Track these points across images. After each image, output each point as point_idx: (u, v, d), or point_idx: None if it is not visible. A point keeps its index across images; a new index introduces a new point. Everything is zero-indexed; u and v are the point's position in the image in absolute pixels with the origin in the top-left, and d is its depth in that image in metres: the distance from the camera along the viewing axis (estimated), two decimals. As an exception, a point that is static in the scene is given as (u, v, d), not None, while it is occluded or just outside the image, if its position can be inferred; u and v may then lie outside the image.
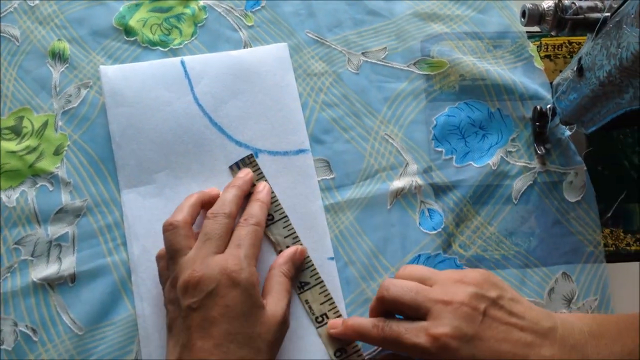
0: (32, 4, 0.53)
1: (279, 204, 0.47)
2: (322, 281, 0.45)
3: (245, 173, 0.46)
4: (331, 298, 0.44)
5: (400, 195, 0.48)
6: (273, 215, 0.46)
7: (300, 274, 0.45)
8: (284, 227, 0.46)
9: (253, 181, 0.47)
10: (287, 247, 0.45)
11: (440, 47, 0.52)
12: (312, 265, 0.45)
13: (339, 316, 0.44)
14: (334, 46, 0.53)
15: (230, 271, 0.38)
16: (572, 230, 0.47)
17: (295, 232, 0.46)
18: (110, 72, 0.50)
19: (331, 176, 0.48)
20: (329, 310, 0.44)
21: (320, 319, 0.44)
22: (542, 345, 0.36)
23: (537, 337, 0.36)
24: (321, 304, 0.44)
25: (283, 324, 0.39)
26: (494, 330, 0.36)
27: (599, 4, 0.40)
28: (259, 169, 0.48)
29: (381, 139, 0.50)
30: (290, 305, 0.41)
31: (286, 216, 0.46)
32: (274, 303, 0.40)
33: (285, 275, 0.42)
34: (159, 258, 0.42)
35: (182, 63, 0.51)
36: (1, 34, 0.52)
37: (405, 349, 0.37)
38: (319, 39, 0.53)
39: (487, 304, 0.37)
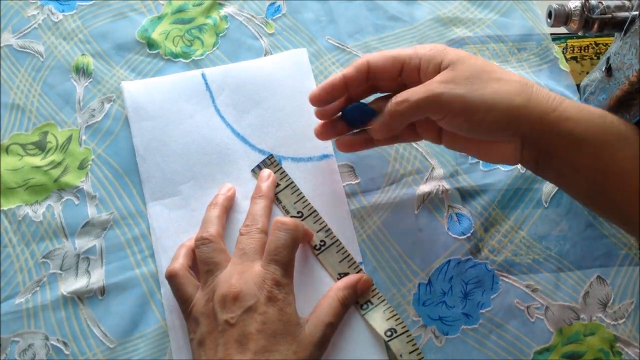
0: (56, 20, 0.54)
1: (306, 200, 0.46)
2: (361, 269, 0.45)
3: (268, 174, 0.46)
4: (376, 288, 0.44)
5: (427, 200, 0.47)
6: (302, 212, 0.46)
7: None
8: (314, 223, 0.45)
9: (277, 181, 0.47)
10: (322, 241, 0.45)
11: (464, 52, 0.52)
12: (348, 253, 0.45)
13: (383, 300, 0.44)
14: (354, 52, 0.53)
15: (269, 288, 0.38)
16: (605, 233, 0.46)
17: (326, 225, 0.45)
18: (132, 87, 0.50)
19: (356, 181, 0.48)
20: (372, 297, 0.43)
21: (365, 306, 0.43)
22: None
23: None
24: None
25: (320, 346, 0.38)
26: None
27: (627, 3, 0.40)
28: (281, 167, 0.47)
29: (406, 143, 0.49)
30: (335, 328, 0.40)
31: (315, 211, 0.46)
32: (314, 324, 0.39)
33: (339, 301, 0.41)
34: (172, 277, 0.41)
35: (203, 76, 0.51)
36: (26, 50, 0.52)
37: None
38: (339, 45, 0.53)
39: None
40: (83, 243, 0.46)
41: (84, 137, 0.49)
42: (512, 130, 0.37)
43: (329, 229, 0.45)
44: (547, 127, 0.36)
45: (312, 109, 0.49)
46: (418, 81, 0.39)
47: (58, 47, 0.53)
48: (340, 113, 0.44)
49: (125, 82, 0.51)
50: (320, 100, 0.42)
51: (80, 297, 0.44)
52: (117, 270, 0.45)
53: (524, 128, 0.37)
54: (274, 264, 0.39)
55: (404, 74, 0.40)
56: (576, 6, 0.40)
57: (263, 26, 0.54)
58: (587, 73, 0.50)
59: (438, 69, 0.39)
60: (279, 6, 0.55)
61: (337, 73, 0.42)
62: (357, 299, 0.43)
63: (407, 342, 0.42)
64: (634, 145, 0.35)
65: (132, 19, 0.54)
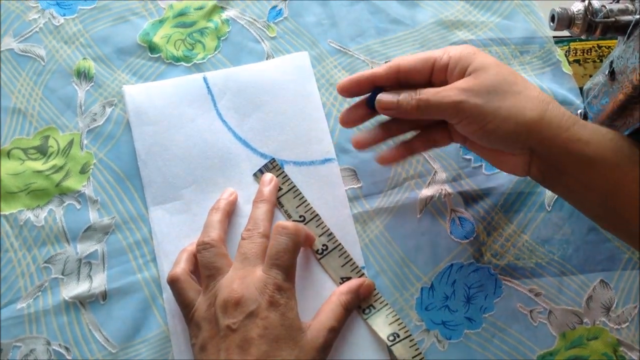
0: (58, 24, 0.54)
1: (308, 204, 0.46)
2: (363, 273, 0.45)
3: (270, 178, 0.46)
4: (378, 292, 0.44)
5: (429, 204, 0.47)
6: (304, 216, 0.46)
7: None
8: (317, 227, 0.45)
9: (279, 185, 0.47)
10: (324, 245, 0.45)
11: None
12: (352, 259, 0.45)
13: (385, 305, 0.44)
14: (356, 55, 0.53)
15: (271, 293, 0.37)
16: (608, 237, 0.46)
17: (328, 229, 0.45)
18: (134, 91, 0.50)
19: (358, 185, 0.48)
20: (374, 301, 0.43)
21: (367, 310, 0.43)
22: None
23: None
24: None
25: (322, 351, 0.38)
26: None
27: (630, 7, 0.39)
28: (283, 171, 0.47)
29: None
30: (337, 333, 0.40)
31: (317, 215, 0.46)
32: (316, 329, 0.39)
33: (342, 305, 0.41)
34: (173, 281, 0.41)
35: (205, 79, 0.51)
36: (27, 54, 0.52)
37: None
38: (341, 49, 0.53)
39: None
40: (85, 248, 0.46)
41: (85, 142, 0.49)
42: (521, 144, 0.38)
43: (331, 233, 0.45)
44: (558, 145, 0.37)
45: (315, 112, 0.49)
46: (445, 81, 0.40)
47: (59, 51, 0.53)
48: (367, 98, 0.44)
49: (126, 86, 0.51)
50: (347, 91, 0.43)
51: (82, 302, 0.44)
52: (119, 274, 0.45)
53: (533, 143, 0.37)
54: (275, 268, 0.39)
55: (434, 74, 0.41)
56: (579, 10, 0.39)
57: (265, 29, 0.54)
58: (590, 76, 0.50)
59: (463, 72, 0.39)
60: (280, 9, 0.55)
61: (366, 70, 0.43)
62: (359, 304, 0.43)
63: (410, 347, 0.42)
64: None
65: (134, 23, 0.54)
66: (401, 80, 0.42)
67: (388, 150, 0.44)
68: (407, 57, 0.41)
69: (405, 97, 0.40)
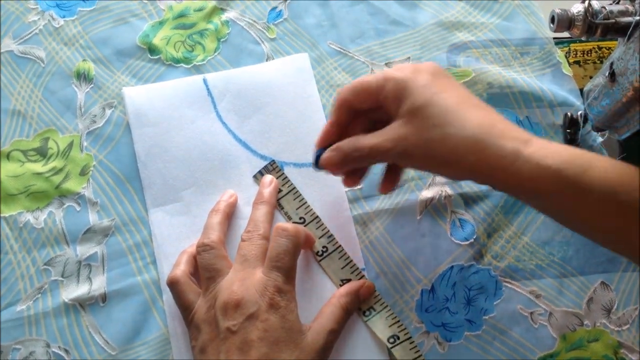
0: (57, 25, 0.54)
1: (309, 206, 0.46)
2: (363, 275, 0.44)
3: (270, 180, 0.46)
4: (378, 294, 0.44)
5: (429, 205, 0.47)
6: (304, 218, 0.46)
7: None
8: (317, 229, 0.45)
9: (279, 187, 0.46)
10: (324, 247, 0.45)
11: (466, 57, 0.52)
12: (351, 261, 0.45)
13: (386, 307, 0.43)
14: (356, 57, 0.53)
15: (271, 295, 0.37)
16: (609, 238, 0.46)
17: (328, 231, 0.45)
18: (134, 93, 0.50)
19: (358, 187, 0.48)
20: (374, 304, 0.43)
21: (367, 312, 0.43)
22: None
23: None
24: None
25: (322, 353, 0.38)
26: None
27: (630, 8, 0.39)
28: (283, 173, 0.47)
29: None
30: (337, 335, 0.40)
31: (317, 217, 0.46)
32: (316, 331, 0.39)
33: (342, 308, 0.41)
34: (173, 284, 0.41)
35: (205, 81, 0.51)
36: (27, 56, 0.52)
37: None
38: (341, 50, 0.53)
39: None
40: (84, 250, 0.46)
41: (85, 143, 0.49)
42: (468, 179, 0.37)
43: (331, 235, 0.45)
44: (499, 182, 0.35)
45: (314, 114, 0.49)
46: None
47: (59, 53, 0.52)
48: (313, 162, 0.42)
49: (126, 87, 0.51)
50: (323, 144, 0.42)
51: (82, 304, 0.44)
52: (119, 277, 0.45)
53: (479, 180, 0.36)
54: (275, 270, 0.38)
55: (379, 97, 0.39)
56: (579, 11, 0.39)
57: (264, 31, 0.54)
58: (590, 77, 0.50)
59: (398, 107, 0.37)
60: (280, 11, 0.55)
61: (327, 122, 0.41)
62: (359, 306, 0.43)
63: (410, 349, 0.42)
64: (593, 194, 0.33)
65: (133, 25, 0.54)
66: (356, 111, 0.40)
67: (384, 178, 0.43)
68: (346, 89, 0.40)
69: (344, 151, 0.39)
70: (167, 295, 0.43)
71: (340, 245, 0.45)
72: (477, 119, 0.35)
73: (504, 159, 0.34)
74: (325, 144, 0.41)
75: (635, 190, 0.33)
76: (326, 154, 0.40)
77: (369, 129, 0.39)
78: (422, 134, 0.35)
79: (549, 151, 0.34)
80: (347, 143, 0.39)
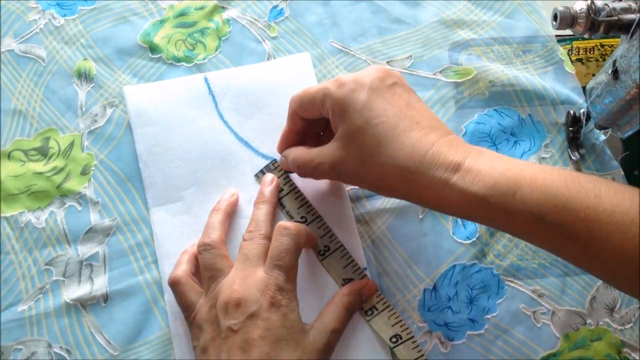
0: (58, 24, 0.53)
1: (310, 205, 0.46)
2: (365, 275, 0.44)
3: (271, 179, 0.46)
4: (381, 294, 0.43)
5: (432, 205, 0.47)
6: (306, 217, 0.46)
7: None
8: (318, 228, 0.45)
9: (280, 186, 0.46)
10: (325, 246, 0.44)
11: (468, 55, 0.52)
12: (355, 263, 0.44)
13: (388, 306, 0.43)
14: (358, 55, 0.53)
15: (272, 294, 0.37)
16: (612, 237, 0.46)
17: (330, 230, 0.45)
18: (135, 92, 0.50)
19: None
20: (377, 303, 0.43)
21: (369, 311, 0.43)
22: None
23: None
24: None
25: (324, 352, 0.38)
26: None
27: (633, 5, 0.39)
28: (284, 172, 0.47)
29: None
30: (339, 334, 0.40)
31: (319, 216, 0.46)
32: (318, 330, 0.39)
33: (344, 307, 0.41)
34: (174, 283, 0.41)
35: (206, 80, 0.50)
36: (28, 55, 0.52)
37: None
38: (343, 49, 0.53)
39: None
40: (86, 249, 0.46)
41: (86, 143, 0.49)
42: (404, 199, 0.39)
43: (333, 234, 0.45)
44: (433, 206, 0.37)
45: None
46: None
47: (60, 52, 0.52)
48: None
49: (127, 86, 0.51)
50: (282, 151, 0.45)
51: (84, 304, 0.44)
52: (121, 276, 0.45)
53: (414, 202, 0.39)
54: (277, 269, 0.38)
55: (322, 111, 0.40)
56: (582, 9, 0.39)
57: (266, 29, 0.54)
58: (593, 75, 0.50)
59: (336, 126, 0.39)
60: (281, 9, 0.55)
61: (284, 128, 0.44)
62: (361, 305, 0.43)
63: (413, 349, 0.42)
64: (520, 218, 0.34)
65: (134, 23, 0.54)
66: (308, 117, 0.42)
67: None
68: (294, 100, 0.42)
69: (288, 160, 0.43)
70: (169, 295, 0.43)
71: (342, 245, 0.45)
72: (409, 146, 0.36)
73: (433, 188, 0.35)
74: (285, 144, 0.45)
75: (562, 210, 0.33)
76: (280, 158, 0.45)
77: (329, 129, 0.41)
78: (356, 159, 0.37)
79: (476, 176, 0.35)
80: (295, 154, 0.42)
